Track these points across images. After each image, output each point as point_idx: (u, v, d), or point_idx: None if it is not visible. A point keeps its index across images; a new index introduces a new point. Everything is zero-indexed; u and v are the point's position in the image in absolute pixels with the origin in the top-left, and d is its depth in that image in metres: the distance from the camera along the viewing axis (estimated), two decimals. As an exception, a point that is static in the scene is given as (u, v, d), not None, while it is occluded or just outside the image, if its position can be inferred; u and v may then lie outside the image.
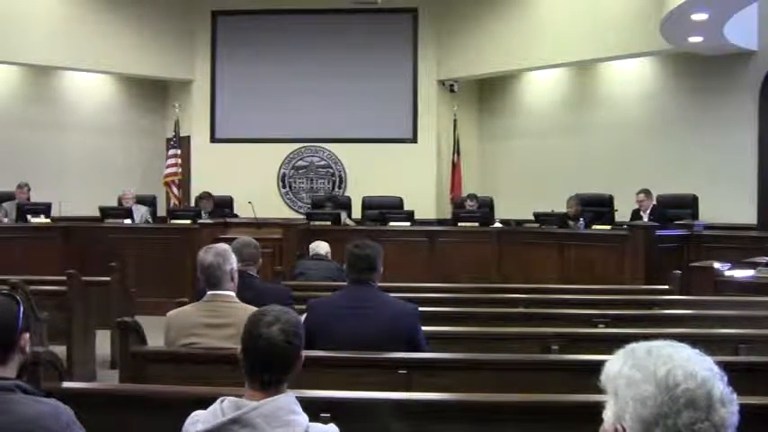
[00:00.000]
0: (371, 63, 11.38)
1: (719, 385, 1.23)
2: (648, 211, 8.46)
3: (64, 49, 10.45)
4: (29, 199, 9.23)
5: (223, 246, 3.57)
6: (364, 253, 3.52)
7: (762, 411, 2.43)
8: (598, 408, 1.32)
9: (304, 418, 1.97)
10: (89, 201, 9.80)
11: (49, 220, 8.96)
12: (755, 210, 8.71)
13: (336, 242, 6.84)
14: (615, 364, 1.30)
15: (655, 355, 1.27)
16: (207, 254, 3.42)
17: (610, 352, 1.34)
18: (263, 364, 1.97)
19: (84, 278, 5.98)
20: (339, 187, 11.50)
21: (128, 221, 9.16)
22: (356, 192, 10.82)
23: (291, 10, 11.37)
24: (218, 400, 1.97)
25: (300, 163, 11.60)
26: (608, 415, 1.29)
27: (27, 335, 2.04)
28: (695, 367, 1.24)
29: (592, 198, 8.94)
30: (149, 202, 9.94)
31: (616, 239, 7.71)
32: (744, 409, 1.24)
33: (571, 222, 8.42)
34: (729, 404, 1.23)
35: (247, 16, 11.55)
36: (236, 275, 3.47)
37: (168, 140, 11.48)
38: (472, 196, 9.88)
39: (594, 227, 8.23)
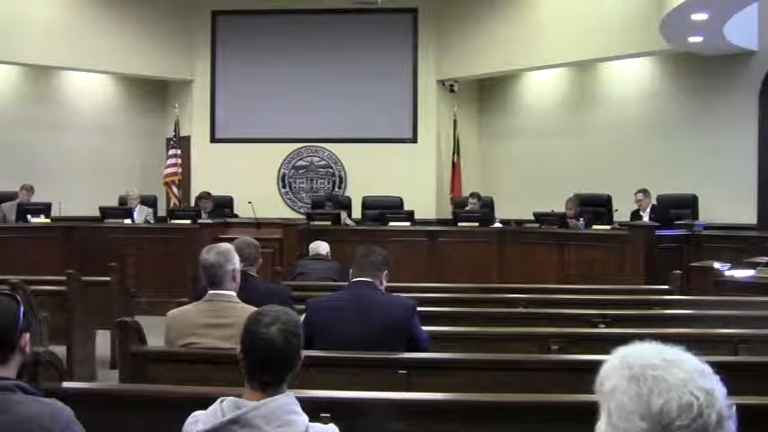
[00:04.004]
0: (371, 63, 11.38)
1: (717, 405, 1.18)
2: (648, 211, 8.46)
3: (64, 49, 10.45)
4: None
5: (226, 245, 3.56)
6: (370, 253, 3.58)
7: (762, 411, 2.43)
8: (598, 408, 1.32)
9: (304, 418, 1.97)
10: (89, 201, 9.81)
11: (48, 220, 8.96)
12: (755, 210, 8.71)
13: (336, 242, 6.86)
14: (609, 380, 1.26)
15: (650, 379, 1.21)
16: (209, 253, 3.43)
17: (610, 352, 1.33)
18: (263, 365, 1.97)
19: (84, 278, 5.97)
20: (339, 187, 11.50)
21: (128, 221, 9.15)
22: (356, 192, 10.82)
23: (291, 10, 11.37)
24: (218, 400, 1.97)
25: (300, 163, 11.61)
26: (600, 429, 1.28)
27: (28, 335, 2.04)
28: (692, 394, 1.18)
29: (590, 198, 8.94)
30: (150, 202, 9.94)
31: (616, 239, 7.71)
32: (744, 409, 1.23)
33: (571, 222, 8.42)
34: (727, 420, 1.19)
35: (247, 16, 11.56)
36: (237, 275, 3.46)
37: (168, 140, 11.48)
38: (475, 194, 9.86)
39: (594, 227, 8.24)
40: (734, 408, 1.21)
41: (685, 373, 1.21)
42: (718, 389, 1.21)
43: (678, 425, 1.17)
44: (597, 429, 1.29)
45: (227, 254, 3.44)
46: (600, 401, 1.28)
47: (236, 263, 3.46)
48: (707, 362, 1.25)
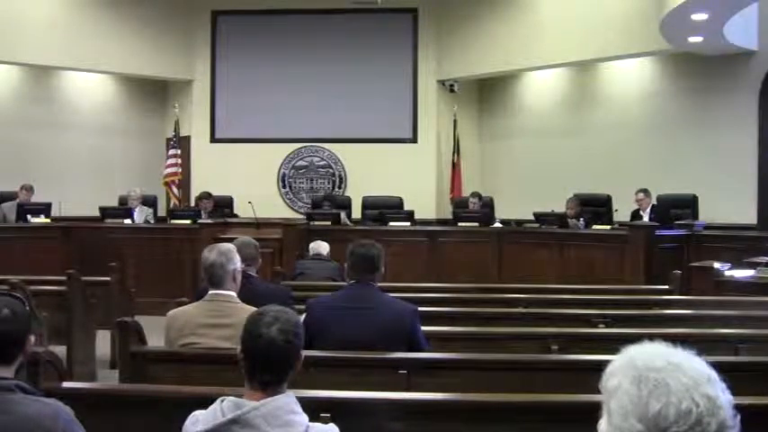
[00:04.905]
0: (371, 63, 11.38)
1: (720, 414, 1.17)
2: (648, 211, 8.46)
3: (64, 49, 10.45)
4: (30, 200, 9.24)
5: (228, 245, 3.56)
6: (368, 253, 3.50)
7: (762, 411, 2.43)
8: (598, 408, 1.32)
9: (304, 417, 1.97)
10: (89, 201, 9.81)
11: (48, 220, 8.96)
12: (755, 210, 8.71)
13: (336, 242, 6.85)
14: (613, 378, 1.25)
15: (651, 381, 1.19)
16: (210, 252, 3.43)
17: (610, 352, 1.33)
18: (263, 365, 1.97)
19: (84, 278, 5.98)
20: (339, 187, 11.50)
21: (128, 221, 9.15)
22: (356, 192, 10.82)
23: (291, 10, 11.37)
24: (218, 400, 1.97)
25: (300, 163, 11.61)
26: (602, 427, 1.28)
27: (32, 336, 2.06)
28: (693, 401, 1.16)
29: (590, 198, 8.94)
30: (150, 202, 9.94)
31: (616, 239, 7.71)
32: (744, 409, 1.23)
33: (571, 222, 8.42)
34: (729, 430, 1.17)
35: (247, 16, 11.56)
36: (238, 276, 3.47)
37: (168, 140, 11.48)
38: (475, 194, 9.86)
39: (594, 227, 8.24)
40: (738, 418, 1.20)
41: (689, 378, 1.20)
42: (723, 397, 1.19)
43: (675, 431, 1.16)
44: (599, 426, 1.29)
45: (229, 254, 3.44)
46: (603, 399, 1.28)
47: (237, 263, 3.46)
48: (707, 362, 1.24)
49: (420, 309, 3.57)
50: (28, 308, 2.06)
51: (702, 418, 1.16)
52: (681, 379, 1.19)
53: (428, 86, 11.38)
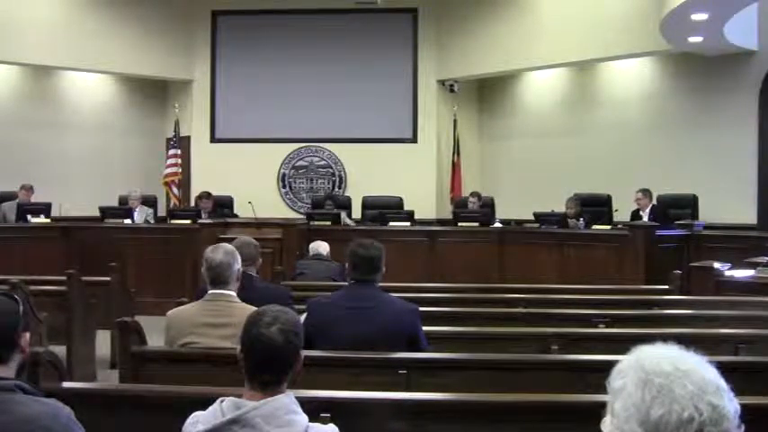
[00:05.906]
0: (371, 63, 11.38)
1: (723, 424, 1.16)
2: (648, 211, 8.46)
3: (64, 49, 10.45)
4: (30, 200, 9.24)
5: (230, 245, 3.58)
6: (369, 254, 3.48)
7: (762, 411, 2.43)
8: (598, 408, 1.32)
9: (304, 418, 1.97)
10: (89, 201, 9.81)
11: (48, 220, 8.96)
12: (755, 210, 8.71)
13: (336, 242, 6.86)
14: (620, 378, 1.24)
15: (656, 386, 1.19)
16: (216, 252, 3.42)
17: (609, 352, 1.33)
18: (263, 365, 1.97)
19: (84, 278, 5.98)
20: (339, 187, 11.50)
21: (128, 221, 9.15)
22: (356, 192, 10.82)
23: (291, 10, 11.37)
24: (218, 401, 1.97)
25: (300, 163, 11.61)
26: (605, 426, 1.28)
27: (28, 334, 2.04)
28: (696, 409, 1.15)
29: (590, 198, 8.94)
30: (150, 202, 9.94)
31: (616, 239, 7.71)
32: (744, 409, 1.22)
33: (571, 222, 8.42)
34: None
35: (247, 16, 11.56)
36: (240, 276, 3.48)
37: (168, 140, 11.49)
38: (475, 194, 9.87)
39: (594, 227, 8.24)
40: (743, 429, 1.19)
41: (695, 386, 1.18)
42: (730, 407, 1.18)
43: None
44: (603, 424, 1.29)
45: (234, 254, 3.45)
46: (609, 398, 1.28)
47: (239, 263, 3.48)
48: (707, 362, 1.24)
49: (420, 309, 3.57)
50: (22, 308, 2.03)
51: (704, 428, 1.15)
52: (686, 386, 1.18)
53: (428, 86, 11.38)
